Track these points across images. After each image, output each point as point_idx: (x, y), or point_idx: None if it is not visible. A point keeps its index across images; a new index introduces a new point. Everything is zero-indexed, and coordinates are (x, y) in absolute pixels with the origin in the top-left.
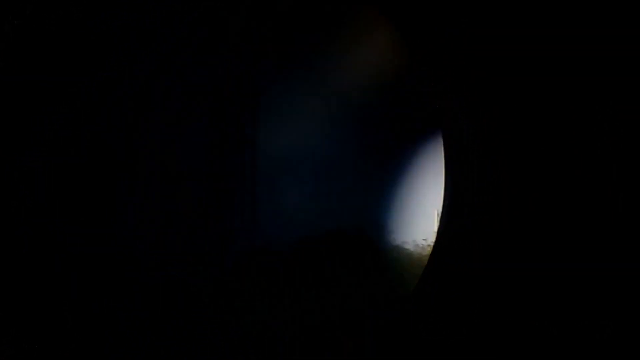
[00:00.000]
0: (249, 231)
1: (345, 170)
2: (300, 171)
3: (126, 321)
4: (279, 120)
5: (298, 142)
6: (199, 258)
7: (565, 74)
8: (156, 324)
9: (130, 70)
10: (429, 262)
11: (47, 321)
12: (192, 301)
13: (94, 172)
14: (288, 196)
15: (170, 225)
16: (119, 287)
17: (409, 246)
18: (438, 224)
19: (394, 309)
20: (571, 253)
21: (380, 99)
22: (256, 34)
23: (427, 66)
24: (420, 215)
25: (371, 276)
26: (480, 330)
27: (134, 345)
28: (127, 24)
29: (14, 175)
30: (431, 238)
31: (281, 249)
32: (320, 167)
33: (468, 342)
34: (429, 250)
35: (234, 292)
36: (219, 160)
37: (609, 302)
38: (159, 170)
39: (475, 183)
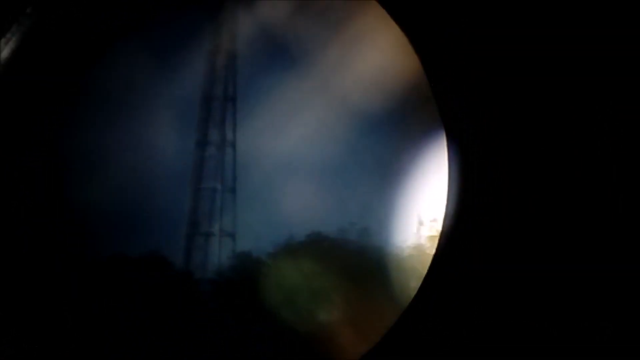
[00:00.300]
0: (234, 234)
1: (338, 172)
2: (292, 173)
3: (124, 321)
4: (268, 121)
5: (289, 144)
6: (189, 260)
7: (565, 74)
8: (152, 324)
9: (118, 71)
10: (431, 264)
11: (47, 321)
12: (186, 302)
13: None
14: (277, 198)
15: (165, 226)
16: (114, 287)
17: (391, 248)
18: (419, 226)
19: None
20: (571, 253)
21: (378, 100)
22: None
23: (428, 66)
24: (402, 218)
25: (359, 278)
26: (480, 332)
27: (134, 345)
28: (119, 23)
29: (14, 176)
30: (411, 240)
31: (268, 251)
32: (313, 169)
33: (468, 343)
34: (408, 252)
35: (226, 294)
36: (208, 160)
37: (609, 303)
38: (131, 169)
39: (475, 184)
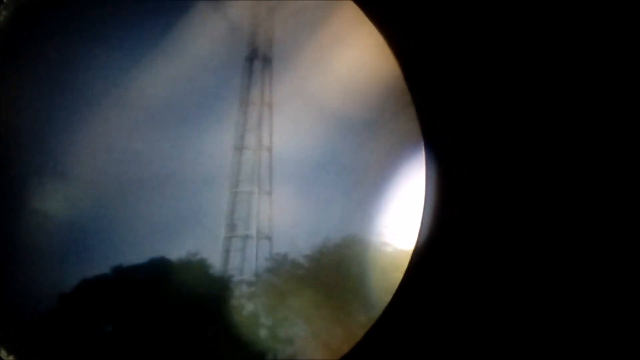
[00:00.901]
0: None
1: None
2: (325, 175)
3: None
4: (296, 125)
5: (316, 146)
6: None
7: (546, 81)
8: (191, 323)
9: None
10: (406, 271)
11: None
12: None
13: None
14: (304, 201)
15: (204, 228)
16: (155, 287)
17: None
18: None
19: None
20: (548, 264)
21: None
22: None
23: (406, 69)
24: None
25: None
26: (473, 334)
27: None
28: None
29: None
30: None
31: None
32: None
33: (445, 343)
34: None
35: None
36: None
37: (609, 304)
38: (171, 175)
39: (452, 192)
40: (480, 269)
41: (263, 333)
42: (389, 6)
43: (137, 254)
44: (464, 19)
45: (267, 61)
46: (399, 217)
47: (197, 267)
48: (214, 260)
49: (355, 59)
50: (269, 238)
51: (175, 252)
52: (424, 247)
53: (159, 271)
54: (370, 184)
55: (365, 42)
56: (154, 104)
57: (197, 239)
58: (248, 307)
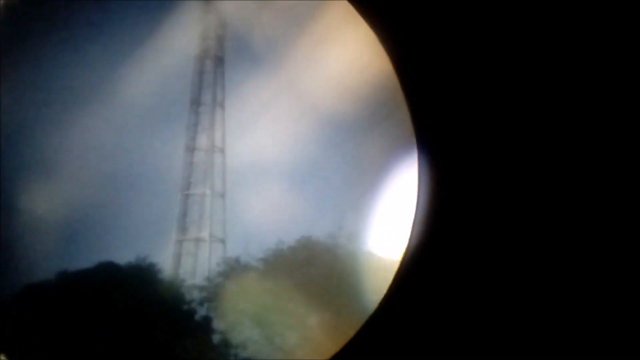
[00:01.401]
0: (224, 239)
1: (320, 175)
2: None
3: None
4: (249, 126)
5: (269, 147)
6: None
7: (541, 80)
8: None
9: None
10: (397, 272)
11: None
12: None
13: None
14: (258, 203)
15: (155, 231)
16: (103, 293)
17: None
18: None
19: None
20: (570, 255)
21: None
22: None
23: (399, 68)
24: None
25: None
26: (466, 333)
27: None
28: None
29: None
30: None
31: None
32: (299, 172)
33: (434, 344)
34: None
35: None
36: (197, 166)
37: (609, 304)
38: (119, 175)
39: (445, 191)
40: (472, 270)
41: (216, 338)
42: (384, 4)
43: (83, 259)
44: (458, 17)
45: (219, 60)
46: (384, 215)
47: (146, 272)
48: (165, 264)
49: (346, 56)
50: (222, 241)
51: (124, 256)
52: (416, 248)
53: (106, 276)
54: (341, 182)
55: (356, 40)
56: (102, 103)
57: (147, 243)
58: (200, 312)
